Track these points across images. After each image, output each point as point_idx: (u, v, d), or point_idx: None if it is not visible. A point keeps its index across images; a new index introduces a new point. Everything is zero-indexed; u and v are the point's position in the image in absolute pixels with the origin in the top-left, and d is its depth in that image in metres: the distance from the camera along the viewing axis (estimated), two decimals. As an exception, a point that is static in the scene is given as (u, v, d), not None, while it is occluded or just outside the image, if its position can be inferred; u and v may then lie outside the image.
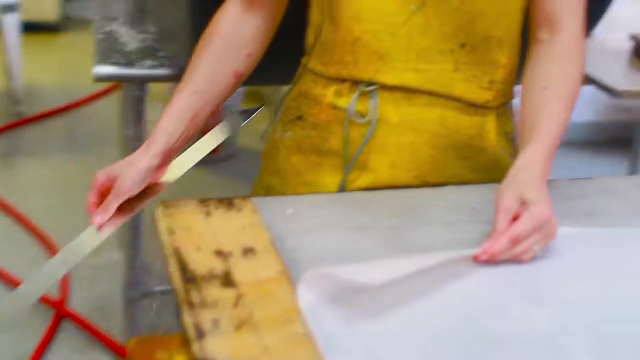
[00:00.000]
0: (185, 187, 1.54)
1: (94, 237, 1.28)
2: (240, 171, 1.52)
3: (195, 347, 1.00)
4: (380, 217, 1.32)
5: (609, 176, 1.54)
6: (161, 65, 1.90)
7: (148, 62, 1.91)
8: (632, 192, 1.47)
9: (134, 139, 1.99)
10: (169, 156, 1.35)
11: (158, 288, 2.25)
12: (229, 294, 1.10)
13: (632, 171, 2.81)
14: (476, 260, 1.20)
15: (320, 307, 1.09)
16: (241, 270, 1.15)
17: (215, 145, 1.43)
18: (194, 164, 1.40)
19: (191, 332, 1.02)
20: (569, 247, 1.26)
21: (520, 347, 1.06)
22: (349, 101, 1.39)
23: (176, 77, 1.82)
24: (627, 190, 1.47)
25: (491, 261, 1.20)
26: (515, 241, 1.19)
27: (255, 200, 1.32)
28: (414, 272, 1.16)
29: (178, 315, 1.07)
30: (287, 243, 1.23)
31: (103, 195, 1.31)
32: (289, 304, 1.09)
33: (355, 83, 1.39)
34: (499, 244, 1.19)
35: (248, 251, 1.19)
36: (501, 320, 1.10)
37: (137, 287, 2.20)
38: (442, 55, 1.35)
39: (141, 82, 1.97)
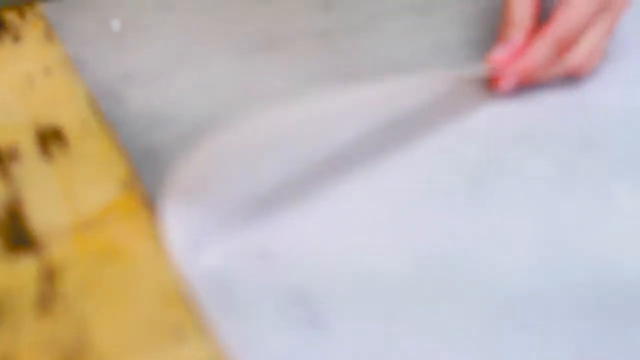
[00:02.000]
0: None
1: None
2: None
3: None
4: (293, 12, 0.70)
5: None
6: None
7: None
8: None
9: None
10: None
11: None
12: (24, 268, 0.50)
13: None
14: (490, 84, 0.63)
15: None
16: (40, 206, 0.54)
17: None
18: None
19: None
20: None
21: None
22: None
23: None
24: None
25: (520, 86, 0.63)
26: (565, 42, 0.62)
27: (45, 8, 0.68)
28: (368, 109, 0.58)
29: None
30: (126, 104, 0.61)
31: None
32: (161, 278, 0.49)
33: None
34: (538, 52, 0.61)
35: (51, 135, 0.57)
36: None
37: None
38: None
39: None
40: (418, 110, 0.62)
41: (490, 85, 0.63)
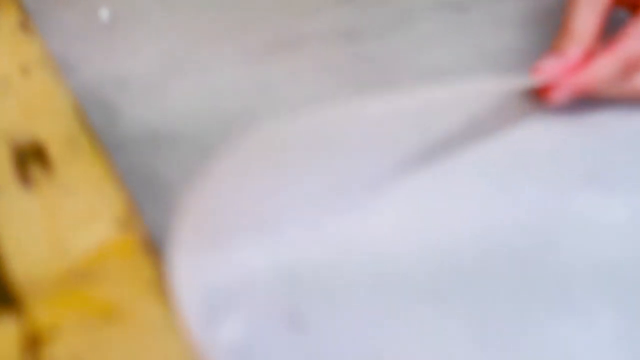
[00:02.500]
0: None
1: None
2: None
3: None
4: (311, 7, 0.60)
5: None
6: None
7: None
8: None
9: None
10: None
11: None
12: (3, 334, 0.40)
13: None
14: (540, 95, 0.54)
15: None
16: (20, 251, 0.44)
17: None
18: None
19: None
20: None
21: None
22: None
23: None
24: None
25: (574, 99, 0.54)
26: (637, 62, 0.54)
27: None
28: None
29: None
30: (122, 117, 0.51)
31: None
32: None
33: None
34: (603, 67, 0.53)
35: (31, 155, 0.47)
36: None
37: None
38: None
39: None
40: (461, 125, 0.53)
41: (539, 95, 0.55)
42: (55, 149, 0.48)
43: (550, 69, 0.53)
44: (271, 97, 0.54)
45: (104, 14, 0.57)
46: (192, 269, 0.42)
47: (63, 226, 0.44)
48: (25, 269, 0.42)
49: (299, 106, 0.53)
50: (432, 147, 0.51)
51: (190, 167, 0.47)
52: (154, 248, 0.44)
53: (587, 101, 0.54)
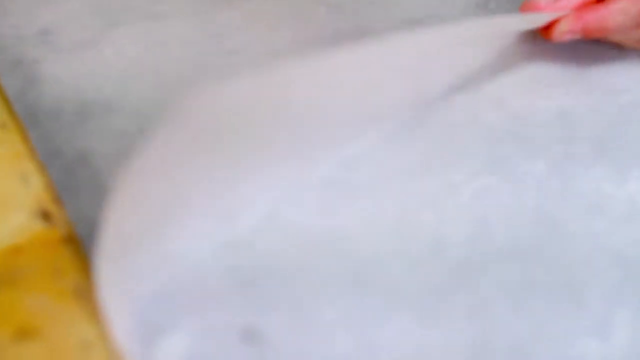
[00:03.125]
0: None
1: None
2: None
3: None
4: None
5: None
6: None
7: None
8: None
9: None
10: None
11: None
12: None
13: None
14: (544, 35, 0.48)
15: None
16: None
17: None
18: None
19: None
20: None
21: None
22: None
23: None
24: None
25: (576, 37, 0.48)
26: None
27: None
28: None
29: None
30: (43, 83, 0.44)
31: None
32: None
33: None
34: (620, 11, 0.47)
35: None
36: None
37: None
38: None
39: None
40: (449, 80, 0.46)
41: (541, 32, 0.48)
42: (-38, 122, 0.40)
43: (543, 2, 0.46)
44: (225, 51, 0.47)
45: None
46: (123, 272, 0.35)
47: (-30, 218, 0.37)
48: None
49: (256, 61, 0.46)
50: (414, 113, 0.43)
51: (127, 145, 0.40)
52: (80, 245, 0.36)
53: (593, 61, 0.47)
